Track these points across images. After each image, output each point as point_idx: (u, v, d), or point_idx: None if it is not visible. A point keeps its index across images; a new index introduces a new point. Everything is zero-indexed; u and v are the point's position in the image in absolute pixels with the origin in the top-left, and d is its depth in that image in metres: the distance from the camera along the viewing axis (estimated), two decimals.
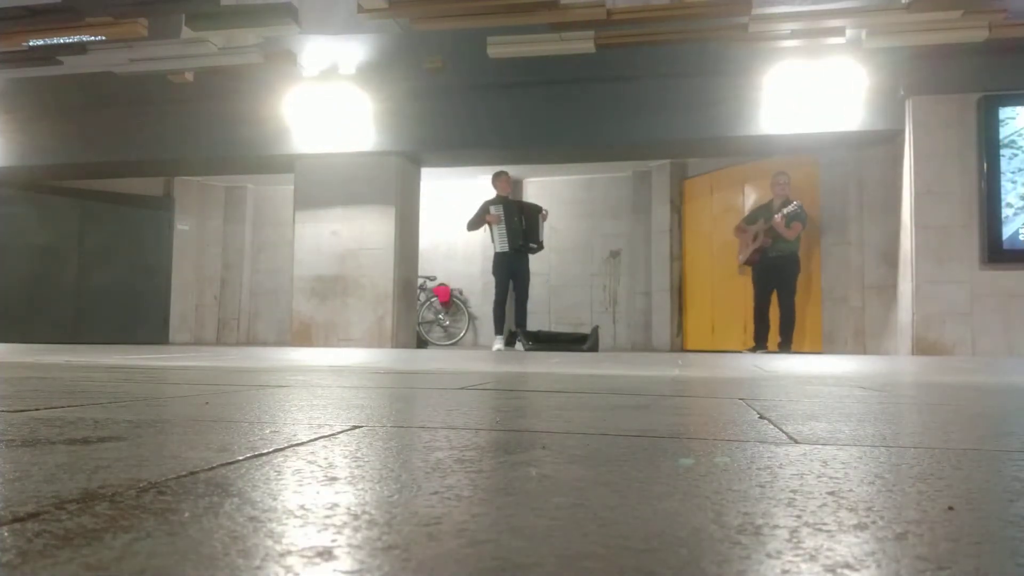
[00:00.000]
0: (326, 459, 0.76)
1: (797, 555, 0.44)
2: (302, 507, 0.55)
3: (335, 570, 0.41)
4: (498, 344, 7.53)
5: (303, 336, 7.71)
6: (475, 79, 7.25)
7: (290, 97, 7.52)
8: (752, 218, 7.65)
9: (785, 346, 7.27)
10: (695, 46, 6.65)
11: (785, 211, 7.17)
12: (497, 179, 7.78)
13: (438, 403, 1.46)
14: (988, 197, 6.35)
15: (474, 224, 7.75)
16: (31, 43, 6.70)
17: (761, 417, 1.21)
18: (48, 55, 6.91)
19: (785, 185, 7.39)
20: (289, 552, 0.44)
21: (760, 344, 7.41)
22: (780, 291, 7.33)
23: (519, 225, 7.55)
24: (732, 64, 6.78)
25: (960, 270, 6.40)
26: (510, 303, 7.81)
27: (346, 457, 0.78)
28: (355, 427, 1.02)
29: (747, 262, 7.59)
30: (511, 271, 7.62)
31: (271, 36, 6.75)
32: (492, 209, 7.61)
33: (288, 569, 0.40)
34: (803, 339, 7.83)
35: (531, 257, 7.86)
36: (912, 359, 5.36)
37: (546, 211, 7.85)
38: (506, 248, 7.57)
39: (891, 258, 6.97)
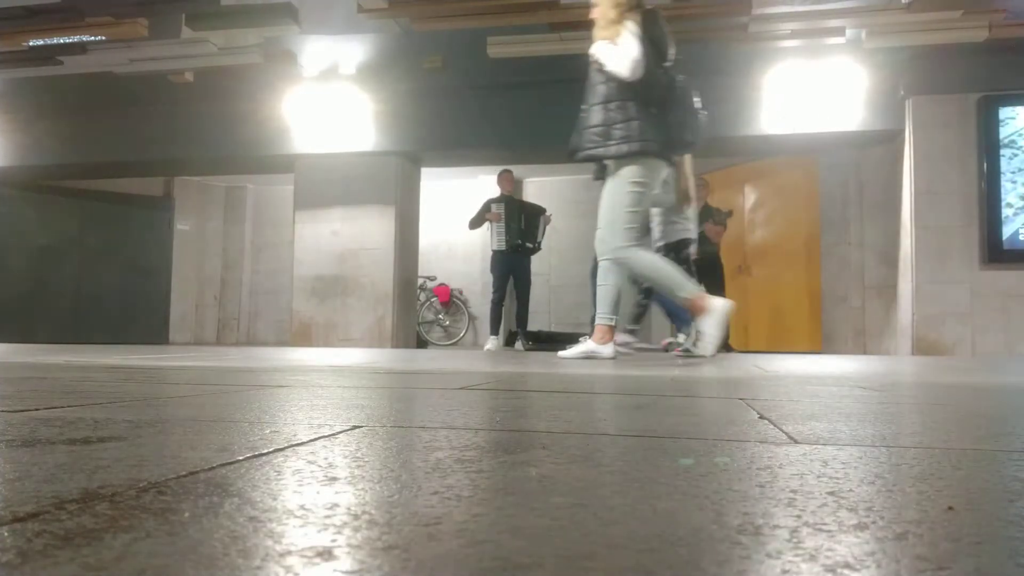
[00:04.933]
0: (326, 459, 0.76)
1: (797, 555, 0.44)
2: (302, 507, 0.55)
3: (335, 570, 0.41)
4: (490, 344, 7.46)
5: (303, 336, 7.71)
6: (475, 79, 7.25)
7: (290, 97, 7.52)
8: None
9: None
10: (695, 46, 6.65)
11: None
12: (500, 177, 7.77)
13: (438, 403, 1.46)
14: (988, 197, 6.35)
15: (475, 222, 7.72)
16: (31, 43, 6.71)
17: (761, 417, 1.21)
18: (48, 55, 6.92)
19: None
20: (289, 552, 0.44)
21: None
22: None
23: (518, 225, 7.54)
24: (732, 64, 6.78)
25: (960, 270, 6.41)
26: (512, 303, 7.78)
27: (346, 457, 0.78)
28: (355, 427, 1.02)
29: None
30: (509, 270, 7.59)
31: (271, 36, 6.76)
32: (493, 207, 7.59)
33: (288, 569, 0.40)
34: (803, 339, 7.83)
35: (531, 257, 7.85)
36: (912, 359, 5.36)
37: (550, 213, 7.83)
38: (503, 247, 7.55)
39: (891, 258, 6.97)
